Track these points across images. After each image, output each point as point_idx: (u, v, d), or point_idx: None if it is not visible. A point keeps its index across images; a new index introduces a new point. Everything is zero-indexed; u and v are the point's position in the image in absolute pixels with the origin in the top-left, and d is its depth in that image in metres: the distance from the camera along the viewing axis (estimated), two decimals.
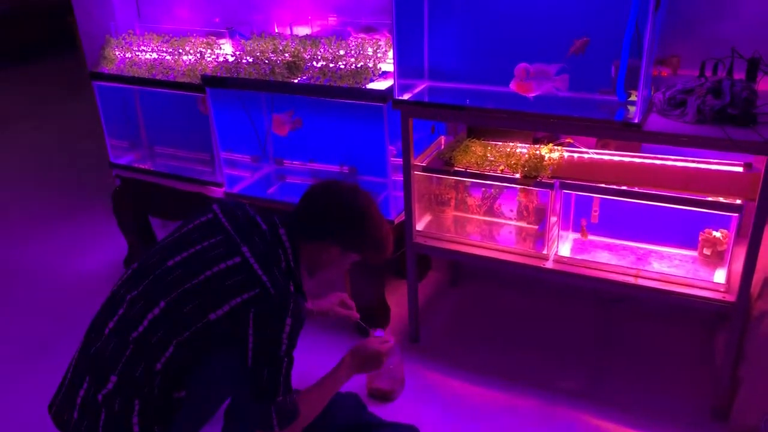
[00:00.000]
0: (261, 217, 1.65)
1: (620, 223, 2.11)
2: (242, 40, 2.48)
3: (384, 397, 2.10)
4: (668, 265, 2.00)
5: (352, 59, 2.18)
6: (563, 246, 2.11)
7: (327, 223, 1.66)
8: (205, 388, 1.62)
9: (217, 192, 2.58)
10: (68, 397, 1.57)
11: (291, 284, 1.59)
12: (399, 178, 2.15)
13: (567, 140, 2.16)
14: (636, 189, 1.88)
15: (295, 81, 2.23)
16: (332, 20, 2.57)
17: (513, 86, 1.82)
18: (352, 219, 1.66)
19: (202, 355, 1.57)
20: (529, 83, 1.80)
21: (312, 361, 2.32)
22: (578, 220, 2.16)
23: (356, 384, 2.15)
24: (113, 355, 1.52)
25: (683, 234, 2.03)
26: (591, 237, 2.16)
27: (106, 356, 1.53)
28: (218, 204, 1.67)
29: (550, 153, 2.10)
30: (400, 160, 2.11)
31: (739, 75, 1.82)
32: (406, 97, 2.03)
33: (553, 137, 2.18)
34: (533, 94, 1.82)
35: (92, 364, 1.54)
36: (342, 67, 2.18)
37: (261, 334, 1.51)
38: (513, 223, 2.25)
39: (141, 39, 2.73)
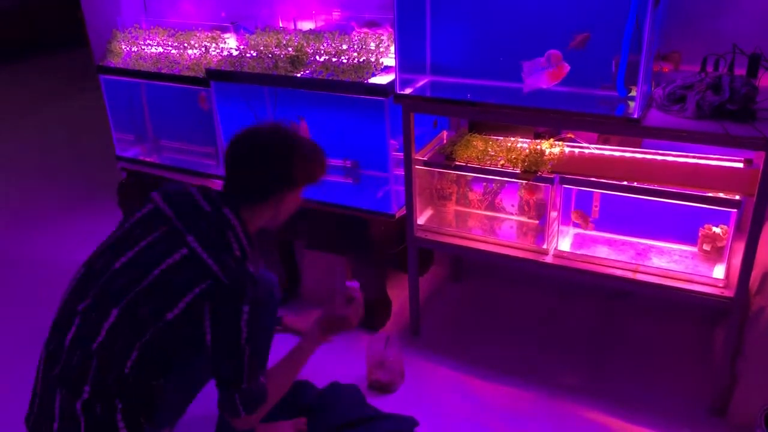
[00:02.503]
0: (203, 198, 1.56)
1: (620, 219, 2.12)
2: (246, 35, 2.49)
3: (384, 389, 2.12)
4: (668, 261, 2.00)
5: (355, 54, 2.20)
6: (563, 241, 2.12)
7: (264, 183, 1.59)
8: (183, 373, 1.62)
9: (221, 185, 2.59)
10: (44, 410, 1.53)
11: (249, 266, 1.53)
12: (400, 172, 2.17)
13: (568, 135, 2.16)
14: (636, 184, 1.88)
15: (298, 75, 2.24)
16: (336, 15, 2.58)
17: (553, 77, 1.81)
18: (286, 163, 1.58)
19: (171, 349, 1.54)
20: (562, 65, 1.80)
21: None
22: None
23: (356, 376, 2.17)
24: (80, 367, 1.48)
25: (683, 229, 2.03)
26: (591, 232, 2.17)
27: (73, 369, 1.49)
28: (158, 192, 1.58)
29: (551, 148, 2.10)
30: (401, 155, 2.12)
31: (741, 71, 1.82)
32: (407, 91, 2.05)
33: (554, 132, 2.19)
34: (546, 86, 1.82)
35: (61, 381, 1.50)
36: (345, 61, 2.20)
37: (218, 326, 1.48)
38: (514, 217, 2.26)
39: (147, 33, 2.76)
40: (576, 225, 2.16)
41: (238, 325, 1.47)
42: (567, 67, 1.79)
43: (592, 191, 2.07)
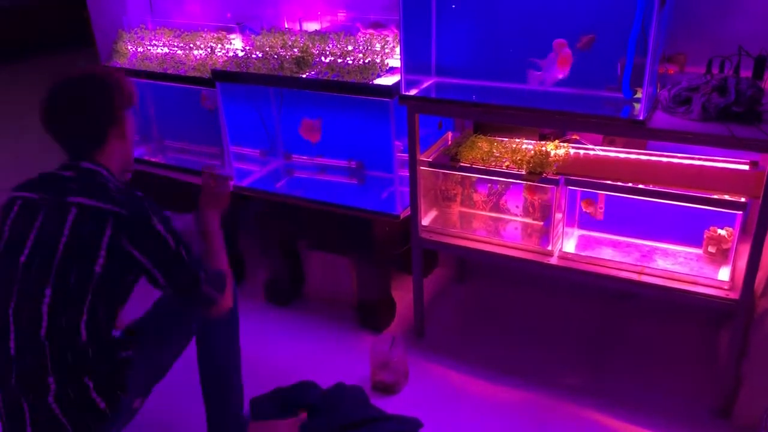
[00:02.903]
0: (59, 170, 1.62)
1: (625, 220, 2.12)
2: (252, 36, 2.50)
3: (388, 390, 2.12)
4: (672, 263, 2.00)
5: (360, 55, 2.20)
6: (568, 242, 2.12)
7: (98, 127, 1.61)
8: (146, 339, 1.66)
9: None
10: (15, 423, 1.54)
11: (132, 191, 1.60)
12: (405, 173, 2.17)
13: (573, 137, 2.16)
14: (641, 186, 1.88)
15: (304, 76, 2.25)
16: (341, 16, 2.59)
17: (558, 60, 1.82)
18: (105, 101, 1.60)
19: (113, 303, 1.58)
20: (565, 51, 1.80)
21: (310, 350, 2.35)
22: (583, 214, 2.17)
23: (360, 377, 2.18)
24: (36, 363, 1.50)
25: (688, 231, 2.03)
26: (596, 234, 2.16)
27: (30, 370, 1.50)
28: (16, 189, 1.62)
29: (556, 149, 2.10)
30: (406, 156, 2.12)
31: (746, 73, 1.82)
32: (412, 92, 2.05)
33: (559, 134, 2.19)
34: (561, 76, 1.83)
35: (22, 388, 1.51)
36: (350, 62, 2.20)
37: (147, 250, 1.53)
38: (519, 219, 2.25)
39: (153, 33, 2.77)
40: (587, 215, 2.14)
41: (161, 237, 1.54)
42: (568, 51, 1.80)
43: (597, 193, 2.07)
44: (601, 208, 2.13)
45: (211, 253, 1.81)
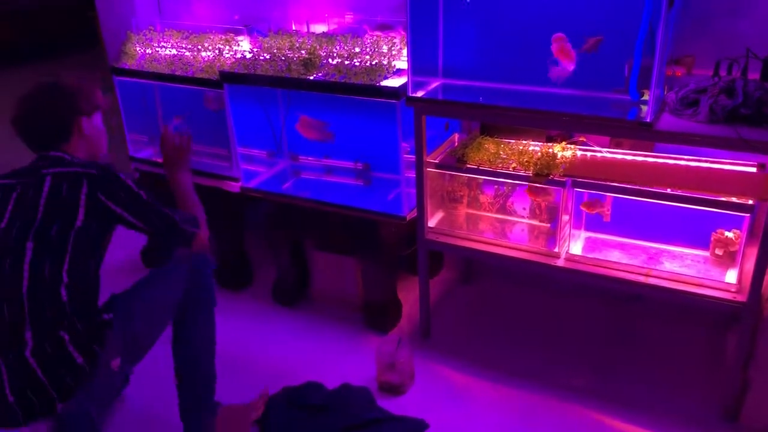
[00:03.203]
0: (31, 165, 1.78)
1: (632, 223, 2.11)
2: (260, 37, 2.51)
3: (394, 390, 2.13)
4: (680, 265, 2.00)
5: (367, 56, 2.21)
6: (575, 244, 2.12)
7: (59, 125, 1.81)
8: (129, 306, 1.75)
9: (234, 186, 2.62)
10: None
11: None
12: (412, 174, 2.17)
13: (580, 139, 2.16)
14: (648, 188, 1.88)
15: (311, 78, 2.26)
16: (348, 18, 2.59)
17: (555, 49, 1.82)
18: (62, 104, 1.81)
19: (94, 259, 1.71)
20: (572, 52, 1.80)
21: (316, 351, 2.36)
22: (591, 218, 2.16)
23: (366, 377, 2.18)
24: (14, 320, 1.57)
25: (695, 234, 2.03)
26: (603, 236, 2.16)
27: (8, 326, 1.57)
28: None
29: (563, 151, 2.10)
30: (413, 157, 2.13)
31: (754, 75, 1.82)
32: (419, 94, 2.05)
33: (566, 136, 2.19)
34: (572, 67, 1.82)
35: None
36: (357, 64, 2.21)
37: (122, 202, 1.71)
38: (525, 221, 2.26)
39: (161, 35, 2.78)
40: (593, 216, 2.13)
41: (132, 190, 1.74)
42: (567, 45, 1.80)
43: (604, 195, 2.06)
44: (607, 210, 2.13)
45: (189, 203, 1.99)
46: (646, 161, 2.05)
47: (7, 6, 7.08)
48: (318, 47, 2.31)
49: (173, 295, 1.85)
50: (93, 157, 1.88)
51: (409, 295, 2.56)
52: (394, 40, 2.26)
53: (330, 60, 2.28)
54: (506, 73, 2.02)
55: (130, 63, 2.78)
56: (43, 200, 1.65)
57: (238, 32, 2.69)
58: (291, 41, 2.36)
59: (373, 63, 2.19)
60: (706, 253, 2.02)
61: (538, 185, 2.10)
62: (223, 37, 2.65)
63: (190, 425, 1.93)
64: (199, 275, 1.90)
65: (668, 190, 1.86)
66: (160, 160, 2.86)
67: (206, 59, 2.60)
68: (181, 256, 1.89)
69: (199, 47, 2.64)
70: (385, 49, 2.22)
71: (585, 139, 2.16)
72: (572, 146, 2.13)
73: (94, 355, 1.60)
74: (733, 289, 1.84)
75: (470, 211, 2.35)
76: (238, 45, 2.61)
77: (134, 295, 1.78)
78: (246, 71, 2.38)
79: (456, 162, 2.17)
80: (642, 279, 1.94)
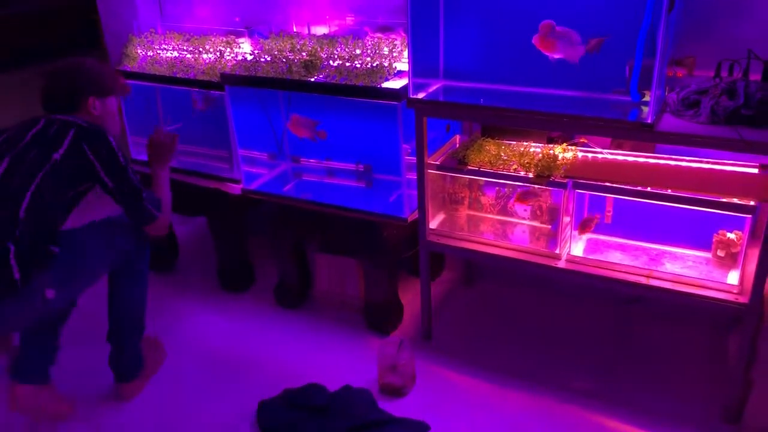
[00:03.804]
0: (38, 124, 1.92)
1: (633, 224, 2.11)
2: (261, 39, 2.51)
3: (395, 392, 2.12)
4: (681, 266, 1.99)
5: (368, 58, 2.21)
6: (576, 246, 2.12)
7: (70, 95, 1.98)
8: (74, 244, 1.90)
9: (235, 188, 2.62)
10: None
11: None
12: (413, 176, 2.17)
13: (581, 140, 2.16)
14: (649, 189, 1.88)
15: (312, 80, 2.26)
16: (349, 20, 2.59)
17: (535, 41, 1.81)
18: (75, 69, 2.01)
19: (58, 196, 1.85)
20: (553, 41, 1.79)
21: (318, 352, 2.36)
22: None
23: (368, 380, 2.18)
24: None
25: (697, 235, 2.02)
26: (604, 237, 2.16)
27: None
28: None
29: (564, 153, 2.10)
30: (414, 159, 2.13)
31: (755, 76, 1.81)
32: (420, 96, 2.05)
33: (567, 137, 2.19)
34: (555, 55, 1.81)
35: None
36: (358, 66, 2.21)
37: (101, 158, 1.86)
38: (526, 222, 2.25)
39: (163, 38, 2.79)
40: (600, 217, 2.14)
41: (114, 151, 1.89)
42: (558, 48, 1.80)
43: (606, 196, 2.06)
44: (604, 223, 2.13)
45: (161, 192, 2.14)
46: (647, 162, 2.05)
47: (9, 9, 7.10)
48: (319, 49, 2.31)
49: (115, 252, 2.04)
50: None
51: (410, 297, 2.56)
52: (395, 42, 2.27)
53: (331, 62, 2.28)
54: (507, 74, 2.02)
55: (131, 65, 2.79)
56: (30, 134, 1.84)
57: (239, 34, 2.70)
58: (292, 43, 2.37)
59: (374, 65, 2.19)
60: (708, 255, 2.02)
61: (527, 194, 2.12)
62: (225, 39, 2.65)
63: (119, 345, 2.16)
64: (143, 247, 2.13)
65: (669, 192, 1.86)
66: None
67: (207, 61, 2.60)
68: (134, 225, 2.07)
69: (200, 49, 2.65)
70: (386, 51, 2.22)
71: (586, 141, 2.15)
72: (573, 147, 2.13)
73: (30, 276, 1.75)
74: (735, 291, 1.84)
75: (471, 212, 2.35)
76: (239, 47, 2.62)
77: (84, 237, 1.95)
78: (247, 73, 2.38)
79: (457, 163, 2.17)
80: (643, 280, 1.93)
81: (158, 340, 2.40)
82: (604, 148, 2.13)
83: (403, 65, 2.21)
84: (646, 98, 1.78)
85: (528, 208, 2.21)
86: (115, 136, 1.98)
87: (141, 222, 2.03)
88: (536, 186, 2.07)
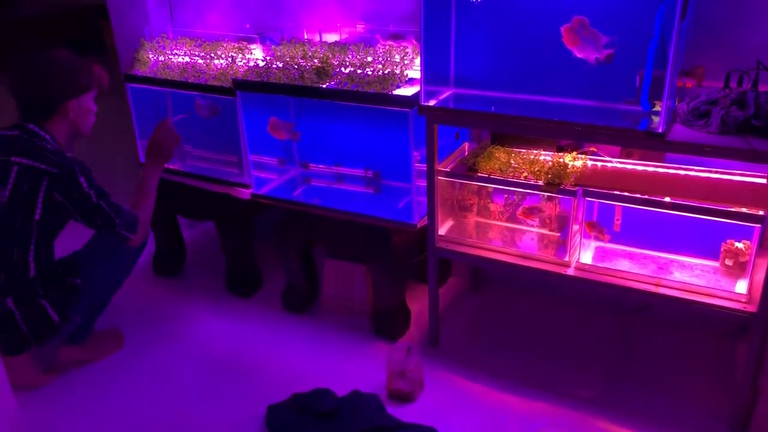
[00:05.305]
0: (8, 131, 2.03)
1: (642, 232, 2.12)
2: (272, 46, 2.53)
3: (403, 398, 2.13)
4: (689, 275, 2.00)
5: (380, 66, 2.23)
6: (585, 254, 2.13)
7: (45, 99, 2.01)
8: (87, 270, 2.17)
9: (244, 193, 2.63)
10: None
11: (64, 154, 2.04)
12: (423, 183, 2.19)
13: (591, 149, 2.18)
14: (658, 198, 1.89)
15: (324, 86, 2.28)
16: (360, 27, 2.61)
17: (563, 30, 1.81)
18: (51, 80, 2.01)
19: (53, 238, 2.10)
20: (576, 37, 1.80)
21: (326, 357, 2.36)
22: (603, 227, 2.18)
23: (376, 385, 2.19)
24: None
25: (705, 244, 2.03)
26: (613, 245, 2.17)
27: None
28: None
29: (574, 161, 2.12)
30: (424, 166, 2.14)
31: (765, 87, 1.83)
32: (431, 103, 2.07)
33: (577, 146, 2.20)
34: (576, 52, 1.82)
35: None
36: (369, 73, 2.23)
37: (74, 202, 2.01)
38: (535, 229, 2.27)
39: (174, 43, 2.81)
40: (596, 238, 2.16)
41: (84, 192, 2.02)
42: (579, 45, 1.81)
43: (615, 204, 2.08)
44: (613, 232, 2.14)
45: (138, 205, 2.23)
46: (656, 171, 2.06)
47: (15, 12, 7.14)
48: (330, 56, 2.33)
49: (117, 256, 2.27)
50: (74, 136, 2.13)
51: (417, 303, 2.57)
52: (407, 50, 2.28)
53: (342, 69, 2.30)
54: (517, 82, 2.04)
55: (142, 70, 2.81)
56: (8, 194, 1.97)
57: (250, 41, 2.72)
58: (304, 50, 2.39)
59: (386, 72, 2.21)
60: (716, 264, 2.03)
61: (531, 209, 2.16)
62: (236, 45, 2.67)
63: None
64: (121, 254, 2.28)
65: (678, 200, 1.87)
66: (171, 166, 2.90)
67: (219, 67, 2.62)
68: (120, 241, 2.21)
69: (212, 55, 2.67)
70: (397, 58, 2.24)
71: (596, 149, 2.17)
72: (583, 156, 2.15)
73: (67, 315, 2.09)
74: (743, 300, 1.85)
75: (480, 219, 2.36)
76: (251, 53, 2.63)
77: (94, 261, 2.19)
78: (259, 79, 2.40)
79: (467, 171, 2.19)
80: (652, 288, 1.94)
81: (119, 332, 2.49)
82: (613, 157, 2.15)
83: (414, 73, 2.22)
84: (657, 108, 1.80)
85: (533, 223, 2.22)
86: (86, 135, 2.13)
87: (114, 242, 2.19)
88: (544, 194, 2.08)
